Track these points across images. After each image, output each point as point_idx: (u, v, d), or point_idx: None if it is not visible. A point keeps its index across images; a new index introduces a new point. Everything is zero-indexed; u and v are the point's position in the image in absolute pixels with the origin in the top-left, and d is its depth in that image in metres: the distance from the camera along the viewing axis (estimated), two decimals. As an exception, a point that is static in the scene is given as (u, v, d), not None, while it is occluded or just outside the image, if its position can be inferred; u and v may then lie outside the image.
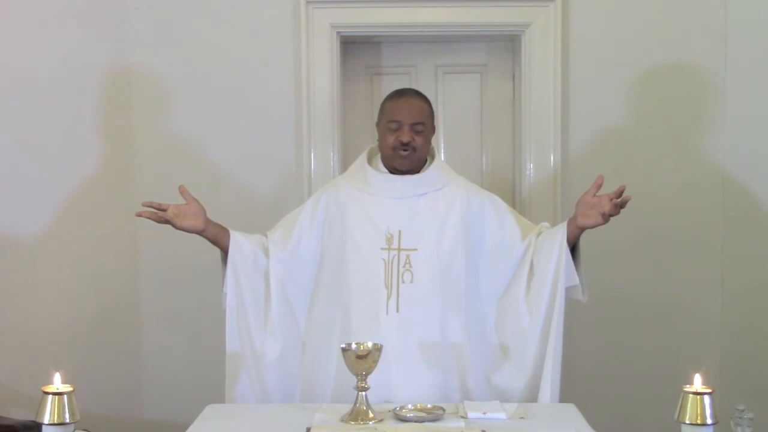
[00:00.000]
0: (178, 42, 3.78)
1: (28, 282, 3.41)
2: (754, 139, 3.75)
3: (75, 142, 3.57)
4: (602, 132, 3.81)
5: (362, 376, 2.33)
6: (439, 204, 2.77)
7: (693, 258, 3.82)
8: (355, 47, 4.01)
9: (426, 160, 2.83)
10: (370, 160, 2.86)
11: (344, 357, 2.36)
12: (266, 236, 2.84)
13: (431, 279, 2.71)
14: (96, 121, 3.68)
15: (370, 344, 2.36)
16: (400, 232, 2.73)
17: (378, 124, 2.83)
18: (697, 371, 2.03)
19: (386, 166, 2.81)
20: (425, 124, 2.75)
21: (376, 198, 2.77)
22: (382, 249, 2.72)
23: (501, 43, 4.03)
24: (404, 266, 2.70)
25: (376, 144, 2.88)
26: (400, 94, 2.83)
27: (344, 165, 3.86)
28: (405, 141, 2.71)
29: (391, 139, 2.73)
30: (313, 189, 3.78)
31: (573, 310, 3.80)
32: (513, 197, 3.96)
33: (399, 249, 2.72)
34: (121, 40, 3.75)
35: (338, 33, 3.81)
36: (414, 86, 3.92)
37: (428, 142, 2.80)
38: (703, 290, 3.82)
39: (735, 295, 3.79)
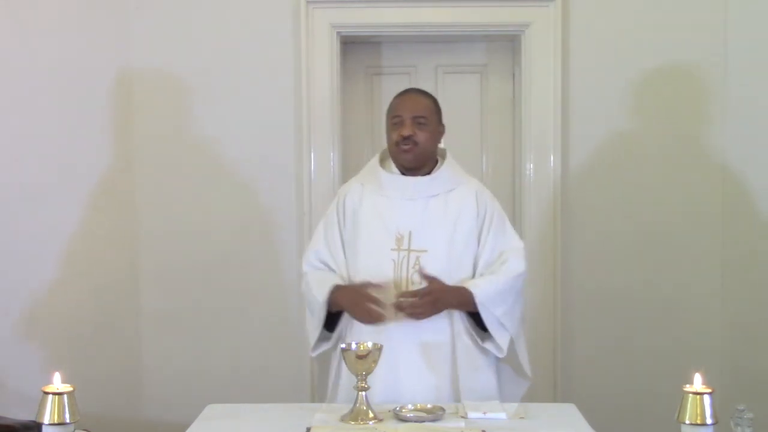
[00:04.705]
0: (179, 42, 3.78)
1: (28, 282, 3.41)
2: (754, 139, 3.75)
3: (75, 142, 3.57)
4: (602, 132, 3.81)
5: (362, 376, 2.33)
6: (450, 206, 2.75)
7: (693, 258, 3.82)
8: (355, 47, 4.01)
9: (437, 161, 2.82)
10: (382, 163, 2.86)
11: (344, 357, 2.37)
12: (330, 266, 2.80)
13: None
14: (96, 121, 3.68)
15: (369, 344, 2.36)
16: (410, 233, 2.71)
17: (386, 125, 2.83)
18: (697, 371, 2.03)
19: (396, 166, 2.80)
20: (427, 118, 2.74)
21: (387, 199, 2.76)
22: (392, 249, 2.71)
23: (501, 43, 4.02)
24: (413, 267, 2.68)
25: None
26: (403, 92, 2.85)
27: (344, 165, 3.87)
28: (406, 135, 2.69)
29: (394, 135, 2.73)
30: (313, 189, 3.79)
31: (573, 309, 3.84)
32: (513, 197, 3.96)
33: (409, 250, 2.71)
34: (122, 40, 3.74)
35: (338, 33, 3.81)
36: (414, 86, 3.92)
37: (433, 138, 2.77)
38: (704, 290, 3.82)
39: (735, 294, 3.79)
